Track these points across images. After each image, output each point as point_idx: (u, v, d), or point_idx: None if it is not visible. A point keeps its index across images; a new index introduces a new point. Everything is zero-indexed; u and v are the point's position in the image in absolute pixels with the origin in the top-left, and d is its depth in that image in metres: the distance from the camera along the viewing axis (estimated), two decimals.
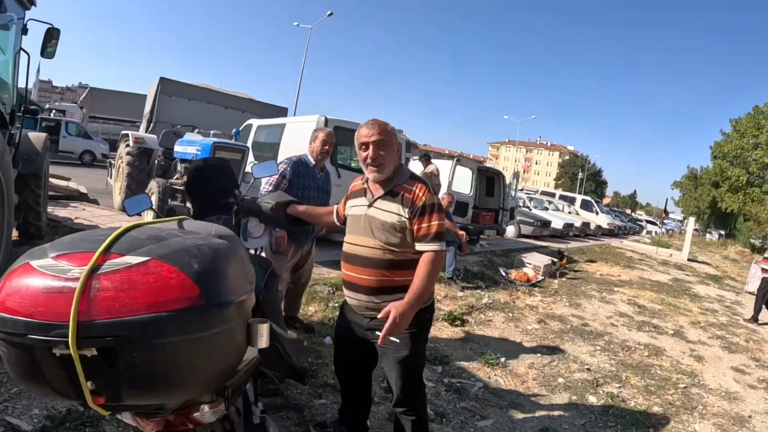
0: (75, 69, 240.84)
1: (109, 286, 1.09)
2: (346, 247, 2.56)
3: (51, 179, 8.28)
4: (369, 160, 2.40)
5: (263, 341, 1.35)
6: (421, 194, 2.39)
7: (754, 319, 9.09)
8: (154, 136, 9.56)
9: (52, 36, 4.65)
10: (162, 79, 10.79)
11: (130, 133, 9.49)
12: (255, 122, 10.62)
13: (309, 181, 4.05)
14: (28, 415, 2.67)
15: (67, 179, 10.22)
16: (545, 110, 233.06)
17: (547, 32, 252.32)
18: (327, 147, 4.10)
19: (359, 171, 8.58)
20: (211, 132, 8.02)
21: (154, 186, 7.47)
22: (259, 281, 2.28)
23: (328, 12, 28.90)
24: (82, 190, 9.74)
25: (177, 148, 8.06)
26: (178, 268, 1.13)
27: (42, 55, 4.66)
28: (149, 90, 11.36)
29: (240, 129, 11.01)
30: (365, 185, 2.54)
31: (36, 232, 5.52)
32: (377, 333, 2.35)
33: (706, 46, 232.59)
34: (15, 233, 4.99)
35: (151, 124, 10.63)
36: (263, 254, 3.21)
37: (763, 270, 9.47)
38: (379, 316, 2.34)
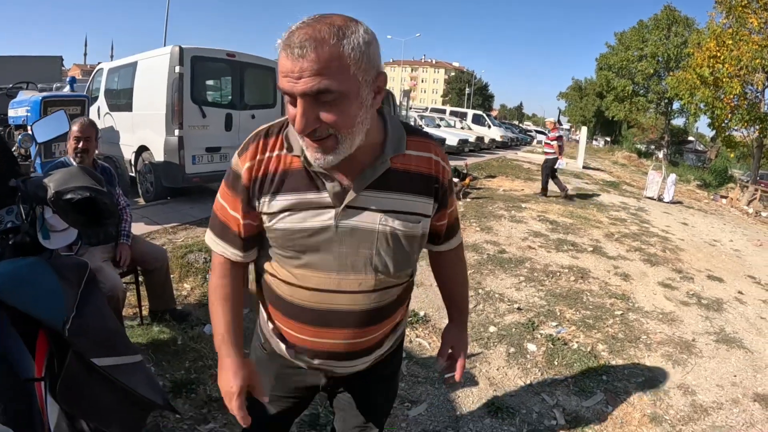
0: None
1: None
2: (293, 295, 1.29)
3: None
4: (300, 130, 1.08)
5: None
6: (445, 163, 1.34)
7: (543, 193, 11.27)
8: None
9: None
10: None
11: None
12: (106, 66, 9.05)
13: None
14: None
15: None
16: (428, 28, 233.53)
17: None
18: (82, 144, 3.19)
19: (230, 106, 7.19)
20: (54, 86, 6.65)
21: None
22: (59, 308, 1.45)
23: None
24: None
25: (10, 112, 6.69)
26: None
27: None
28: None
29: (92, 75, 9.52)
30: (309, 167, 1.19)
31: None
32: (354, 393, 1.54)
33: None
34: None
35: None
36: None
37: (545, 153, 11.54)
38: (443, 365, 1.53)
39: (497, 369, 3.47)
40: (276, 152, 1.23)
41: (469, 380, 3.26)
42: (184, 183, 7.03)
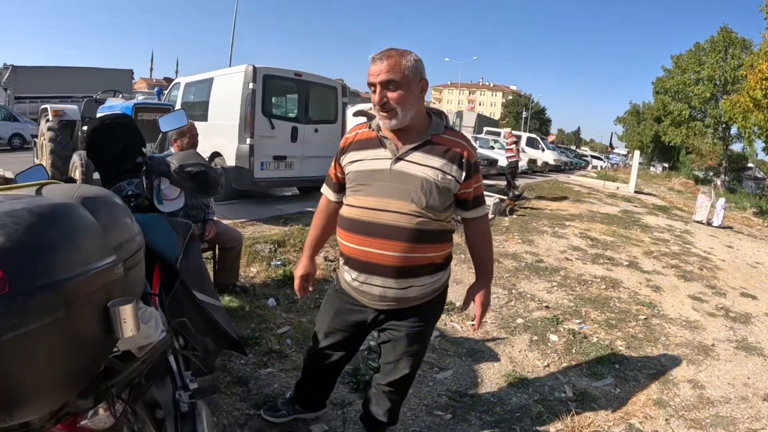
0: None
1: None
2: (353, 213, 2.02)
3: None
4: (377, 106, 1.91)
5: (128, 329, 1.05)
6: (471, 149, 2.00)
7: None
8: (75, 107, 8.88)
9: None
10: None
11: (49, 106, 8.78)
12: (183, 80, 10.07)
13: None
14: None
15: None
16: (486, 51, 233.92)
17: None
18: (195, 139, 4.06)
19: (295, 120, 8.12)
20: (137, 95, 7.57)
21: (76, 159, 6.87)
22: (174, 248, 2.04)
23: None
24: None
25: (99, 116, 7.41)
26: None
27: None
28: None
29: (170, 87, 10.49)
30: (379, 134, 2.00)
31: None
32: (393, 331, 2.13)
33: None
34: None
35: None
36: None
37: (508, 158, 13.71)
38: (465, 311, 2.18)
39: (519, 351, 3.88)
40: (363, 130, 2.09)
41: (492, 357, 3.70)
42: (252, 186, 7.80)
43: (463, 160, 1.94)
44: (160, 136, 2.81)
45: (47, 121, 8.52)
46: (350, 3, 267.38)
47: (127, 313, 1.04)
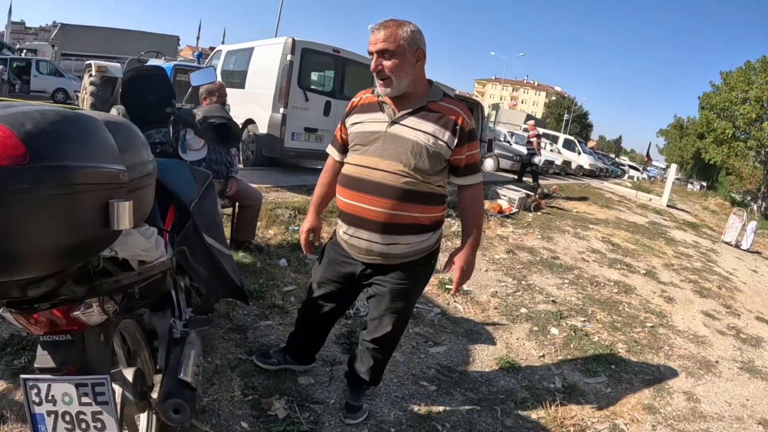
0: (49, 8, 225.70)
1: None
2: (349, 170, 2.16)
3: None
4: (373, 73, 2.02)
5: (123, 222, 1.22)
6: (466, 117, 2.07)
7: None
8: (118, 65, 9.30)
9: None
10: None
11: (92, 62, 9.12)
12: (224, 48, 10.19)
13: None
14: None
15: None
16: (533, 49, 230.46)
17: None
18: (222, 99, 4.17)
19: (330, 95, 8.27)
20: (179, 59, 7.80)
21: (114, 112, 7.05)
22: (190, 191, 2.15)
23: None
24: None
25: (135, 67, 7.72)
26: (7, 126, 1.06)
27: None
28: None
29: (211, 55, 10.65)
30: (379, 99, 2.12)
31: None
32: (378, 286, 2.21)
33: None
34: None
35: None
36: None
37: (528, 151, 14.30)
38: (448, 276, 2.28)
39: (516, 339, 3.88)
40: (367, 95, 2.20)
41: (489, 340, 3.71)
42: (281, 155, 7.93)
43: (457, 126, 2.02)
44: (190, 90, 2.96)
45: (90, 75, 8.84)
46: None
47: (123, 208, 1.20)
